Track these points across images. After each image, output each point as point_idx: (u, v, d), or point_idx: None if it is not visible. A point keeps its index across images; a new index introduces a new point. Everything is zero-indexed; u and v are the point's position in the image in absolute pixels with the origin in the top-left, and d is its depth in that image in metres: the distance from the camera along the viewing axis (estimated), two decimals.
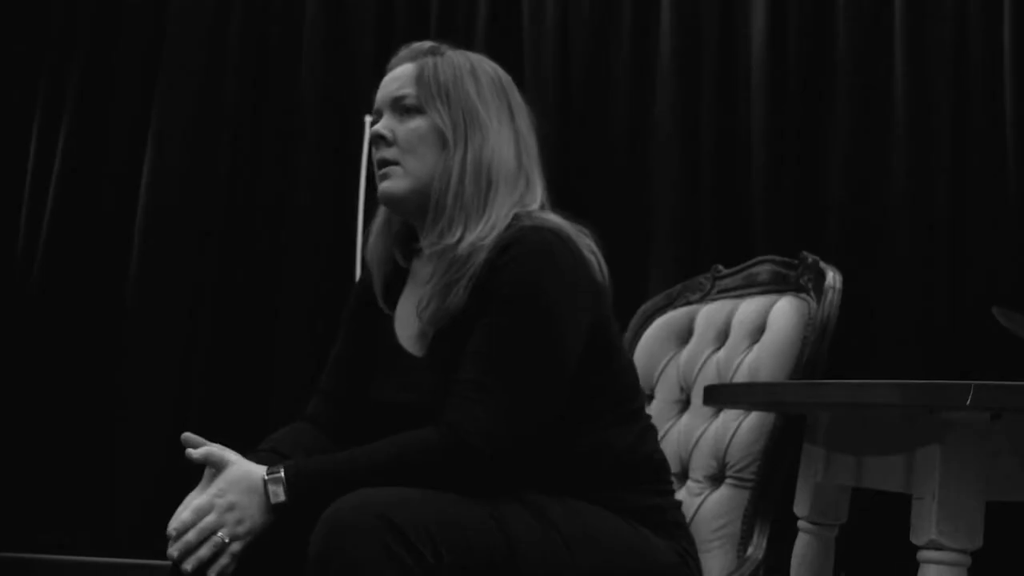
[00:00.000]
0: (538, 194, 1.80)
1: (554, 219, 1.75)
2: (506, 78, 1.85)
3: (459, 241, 1.70)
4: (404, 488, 1.56)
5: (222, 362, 3.96)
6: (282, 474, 1.59)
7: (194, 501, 1.62)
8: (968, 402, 1.47)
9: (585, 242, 1.74)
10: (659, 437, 2.16)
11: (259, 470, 1.61)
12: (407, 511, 1.50)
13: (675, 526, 1.78)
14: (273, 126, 4.06)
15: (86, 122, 4.09)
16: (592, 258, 1.74)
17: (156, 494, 3.79)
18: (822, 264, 2.02)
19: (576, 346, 1.67)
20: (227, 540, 1.58)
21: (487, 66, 1.84)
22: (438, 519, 1.52)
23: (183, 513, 1.61)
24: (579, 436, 1.71)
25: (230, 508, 1.59)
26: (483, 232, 1.70)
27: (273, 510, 1.60)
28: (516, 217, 1.73)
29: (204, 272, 4.01)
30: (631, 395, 1.81)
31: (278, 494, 1.59)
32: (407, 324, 1.81)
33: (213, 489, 1.61)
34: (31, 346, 3.98)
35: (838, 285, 1.98)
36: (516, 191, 1.76)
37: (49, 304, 4.00)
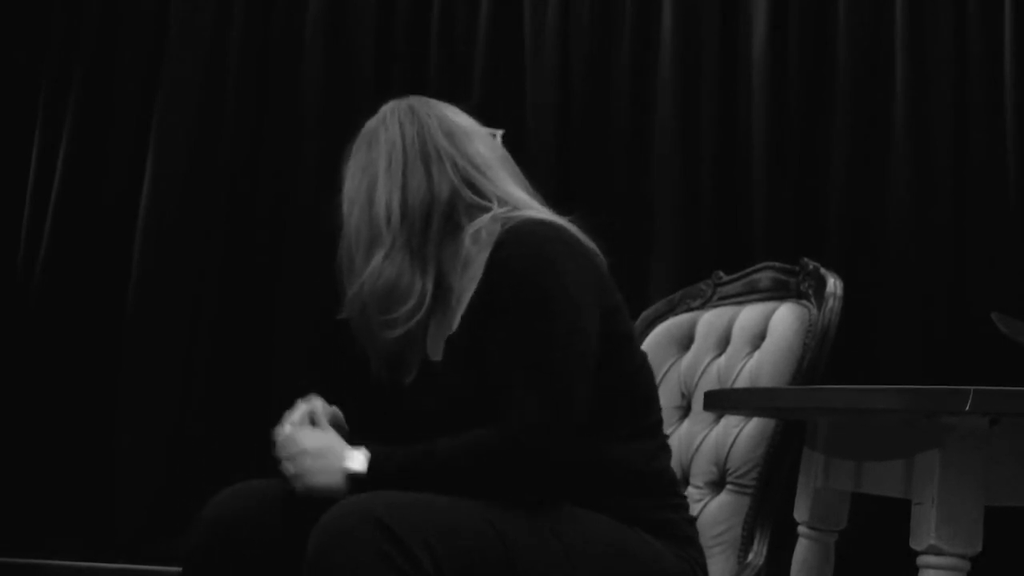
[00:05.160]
0: (508, 200, 1.78)
1: (527, 202, 1.77)
2: (409, 113, 1.83)
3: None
4: (402, 493, 1.57)
5: (223, 365, 3.96)
6: (364, 454, 1.64)
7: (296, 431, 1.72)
8: (967, 407, 1.47)
9: (576, 231, 1.75)
10: None
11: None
12: (405, 517, 1.51)
13: (686, 540, 1.77)
14: (275, 128, 4.06)
15: (88, 124, 4.09)
16: (590, 245, 1.74)
17: (156, 499, 3.79)
18: (823, 271, 2.03)
19: (593, 324, 1.66)
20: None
21: (369, 123, 1.87)
22: (436, 526, 1.53)
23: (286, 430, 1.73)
24: (597, 446, 1.70)
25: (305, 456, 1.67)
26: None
27: (348, 479, 1.64)
28: (505, 220, 1.73)
29: (205, 274, 4.01)
30: (648, 405, 1.81)
31: (360, 461, 1.64)
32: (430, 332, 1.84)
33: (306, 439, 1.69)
34: (32, 349, 3.98)
35: (839, 292, 1.99)
36: (442, 221, 1.76)
37: (51, 307, 4.00)
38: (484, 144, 1.82)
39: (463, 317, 1.73)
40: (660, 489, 1.78)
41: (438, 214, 1.76)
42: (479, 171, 1.78)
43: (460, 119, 1.84)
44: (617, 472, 1.73)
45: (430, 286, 1.75)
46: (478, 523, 1.57)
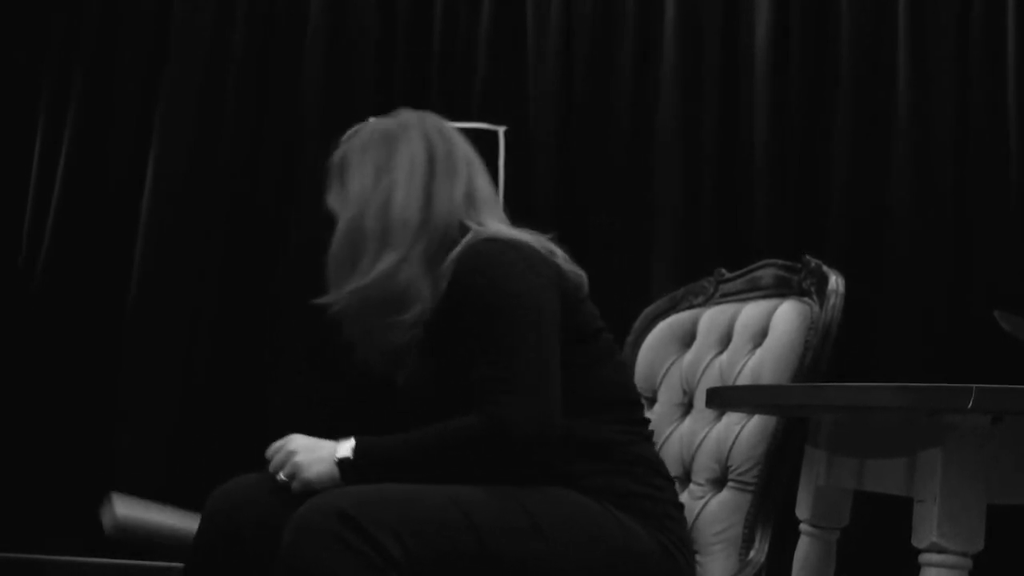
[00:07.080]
0: (477, 219, 1.85)
1: (497, 226, 1.84)
2: (439, 130, 1.91)
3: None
4: (371, 486, 1.63)
5: (223, 365, 3.96)
6: (352, 442, 1.71)
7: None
8: (970, 405, 1.47)
9: (536, 239, 1.82)
10: (662, 440, 2.16)
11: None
12: (372, 510, 1.57)
13: (665, 517, 1.80)
14: (275, 128, 4.06)
15: (89, 124, 4.09)
16: (543, 250, 1.81)
17: (156, 499, 3.78)
18: (825, 268, 2.02)
19: (553, 315, 1.74)
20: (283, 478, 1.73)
21: (384, 124, 1.95)
22: (405, 516, 1.58)
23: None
24: (569, 425, 1.74)
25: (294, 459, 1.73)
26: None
27: (340, 467, 1.70)
28: (464, 232, 1.82)
29: (205, 274, 4.01)
30: (623, 392, 1.87)
31: (347, 447, 1.70)
32: None
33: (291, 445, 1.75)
34: (33, 349, 3.98)
35: (840, 289, 1.98)
36: (416, 235, 1.82)
37: (52, 307, 4.00)
38: (485, 179, 1.93)
39: (427, 325, 1.80)
40: (641, 466, 1.82)
41: (453, 228, 1.83)
42: (478, 202, 1.88)
43: (471, 151, 1.93)
44: (588, 449, 1.77)
45: (434, 294, 1.80)
46: (448, 510, 1.62)
